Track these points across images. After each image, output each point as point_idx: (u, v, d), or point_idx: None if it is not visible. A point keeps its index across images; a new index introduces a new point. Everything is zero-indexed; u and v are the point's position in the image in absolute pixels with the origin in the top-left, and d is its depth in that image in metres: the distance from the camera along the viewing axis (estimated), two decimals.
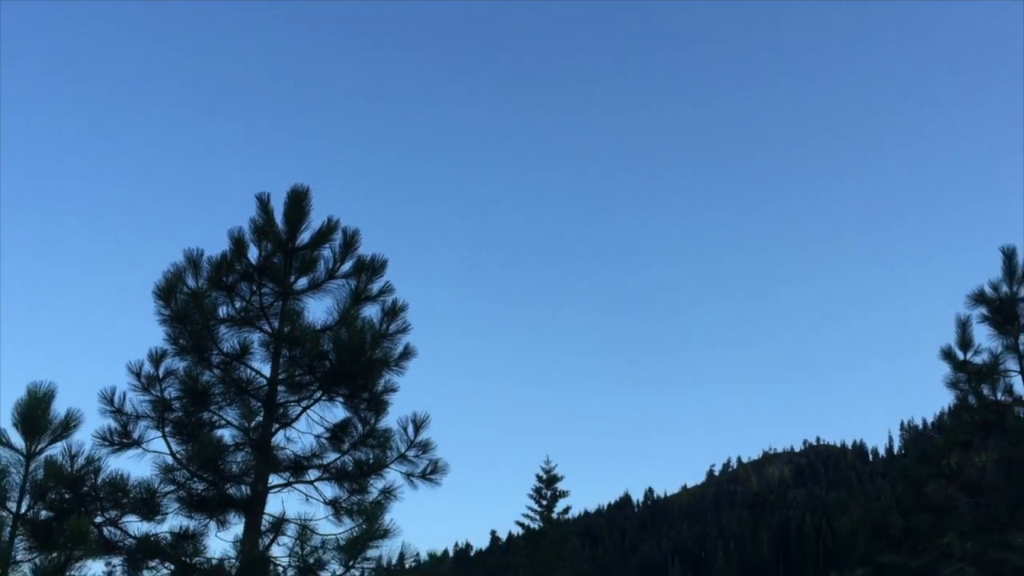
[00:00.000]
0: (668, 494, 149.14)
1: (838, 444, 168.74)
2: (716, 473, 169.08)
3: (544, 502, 42.66)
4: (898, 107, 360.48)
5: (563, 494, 43.00)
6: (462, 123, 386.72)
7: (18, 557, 9.37)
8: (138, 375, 11.40)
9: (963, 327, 15.66)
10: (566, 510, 44.09)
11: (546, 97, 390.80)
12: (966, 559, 14.89)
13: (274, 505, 11.46)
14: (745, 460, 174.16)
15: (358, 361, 11.32)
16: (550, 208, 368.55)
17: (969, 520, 14.86)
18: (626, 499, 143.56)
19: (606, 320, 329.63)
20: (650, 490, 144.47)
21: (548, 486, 42.61)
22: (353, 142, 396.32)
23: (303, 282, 12.01)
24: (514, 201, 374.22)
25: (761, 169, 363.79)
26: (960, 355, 15.62)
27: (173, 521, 11.26)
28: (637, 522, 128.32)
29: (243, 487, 11.36)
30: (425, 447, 11.74)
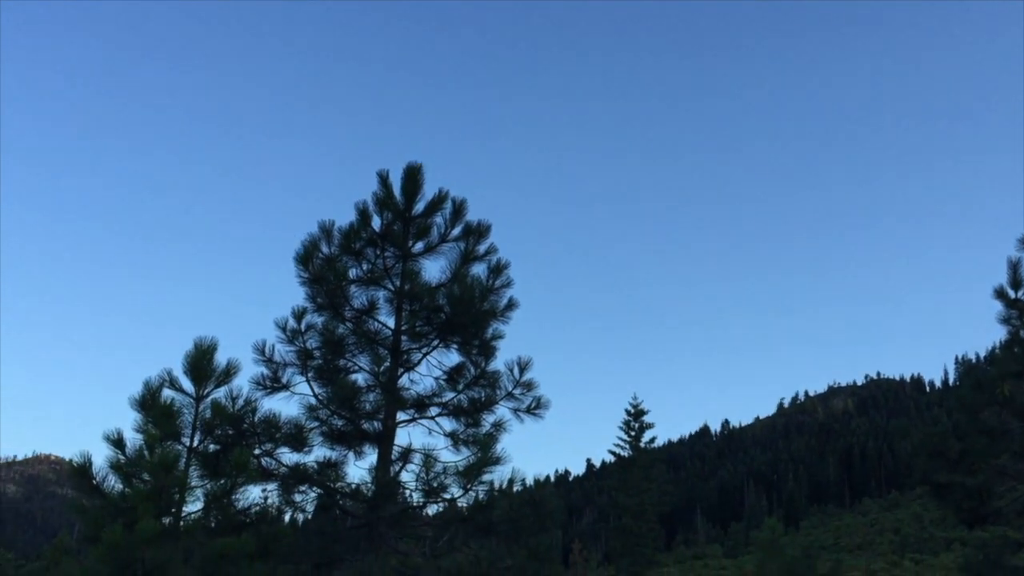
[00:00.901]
0: (742, 424, 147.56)
1: (897, 378, 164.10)
2: (785, 405, 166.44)
3: (632, 433, 42.74)
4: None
5: (649, 426, 43.02)
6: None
7: (192, 484, 9.80)
8: (284, 329, 11.80)
9: (1014, 268, 15.11)
10: (652, 440, 44.13)
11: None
12: (1019, 477, 14.51)
13: (402, 438, 11.82)
14: (812, 394, 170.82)
15: (469, 313, 11.52)
16: (617, 143, 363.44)
17: (1021, 442, 14.43)
18: (704, 430, 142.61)
19: (689, 257, 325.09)
20: (726, 421, 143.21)
21: (636, 419, 42.65)
22: (459, 112, 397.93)
23: (419, 246, 12.23)
24: (585, 134, 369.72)
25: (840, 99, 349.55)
26: (1011, 294, 15.08)
27: (318, 452, 11.68)
28: (715, 450, 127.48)
29: (375, 423, 11.70)
30: (529, 386, 11.90)
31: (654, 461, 44.59)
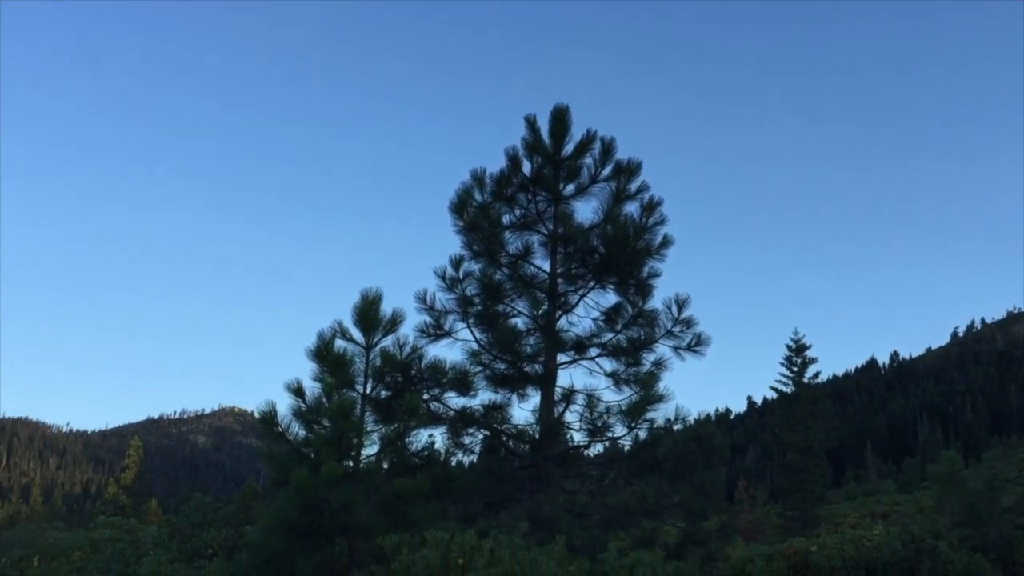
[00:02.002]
0: (913, 356, 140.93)
1: None
2: (960, 334, 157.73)
3: (795, 368, 41.61)
4: None
5: (812, 360, 41.72)
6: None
7: (368, 428, 10.26)
8: (443, 278, 12.12)
9: None
10: (816, 375, 42.83)
11: None
12: None
13: (563, 379, 11.98)
14: (989, 321, 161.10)
15: (623, 252, 11.47)
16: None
17: None
18: (872, 363, 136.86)
19: (855, 183, 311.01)
20: (895, 353, 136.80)
21: (798, 354, 41.47)
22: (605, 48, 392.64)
23: (570, 188, 12.23)
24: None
25: None
26: None
27: (483, 395, 12.00)
28: (884, 383, 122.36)
29: (536, 365, 11.89)
30: (688, 323, 11.78)
31: (819, 396, 43.33)
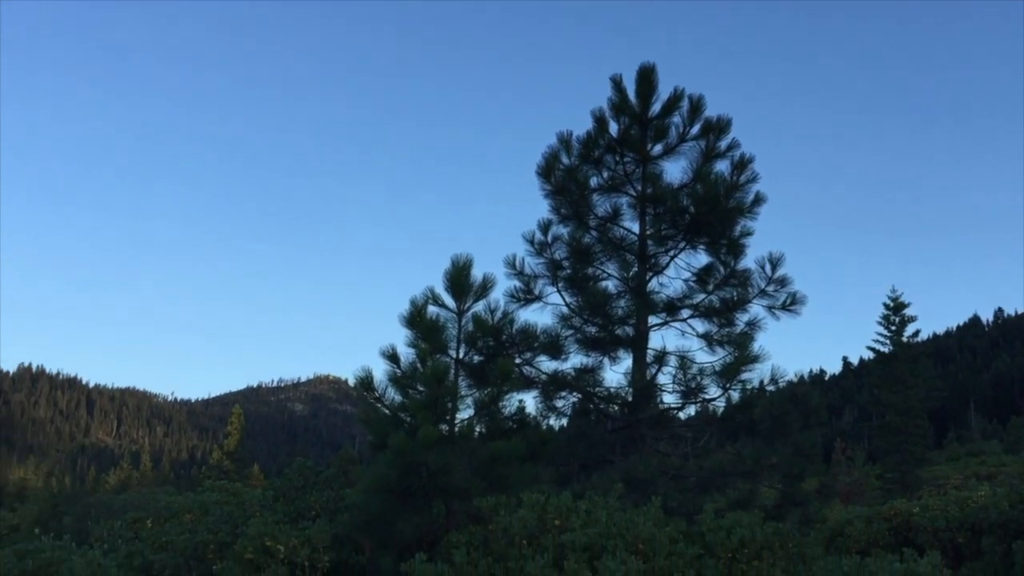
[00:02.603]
0: (1019, 312, 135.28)
1: None
2: None
3: (893, 327, 40.47)
4: None
5: (911, 319, 40.51)
6: None
7: (462, 393, 10.38)
8: (531, 242, 12.13)
9: None
10: (915, 333, 41.57)
11: None
12: None
13: (655, 341, 11.90)
14: None
15: (714, 212, 11.29)
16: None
17: None
18: (974, 320, 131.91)
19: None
20: (999, 310, 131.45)
21: (896, 312, 40.30)
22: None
23: (658, 148, 12.07)
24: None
25: None
26: None
27: (574, 359, 12.02)
28: (987, 341, 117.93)
29: (627, 328, 11.84)
30: (782, 282, 11.56)
31: (918, 355, 42.03)
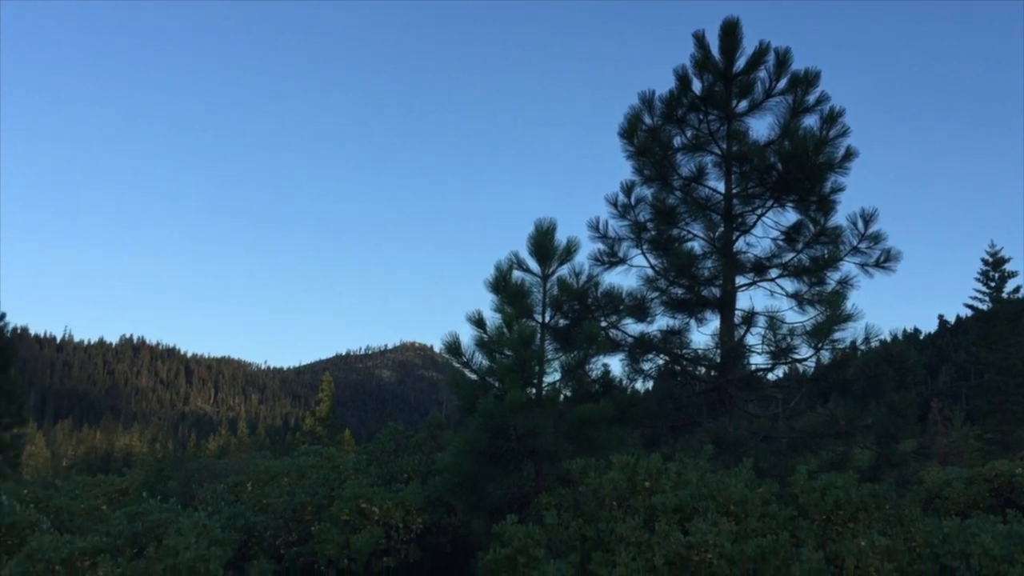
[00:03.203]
0: None
1: None
2: None
3: (992, 284, 38.98)
4: None
5: (1011, 274, 38.92)
6: None
7: (548, 356, 10.42)
8: (615, 205, 12.04)
9: None
10: (1016, 289, 39.97)
11: None
12: None
13: (743, 301, 11.71)
14: None
15: (803, 168, 10.99)
16: None
17: None
18: None
19: None
20: None
21: (995, 268, 38.77)
22: None
23: (743, 105, 11.79)
24: None
25: None
26: None
27: (660, 321, 11.93)
28: None
29: (714, 289, 11.68)
30: (876, 239, 11.21)
31: (1020, 312, 40.44)
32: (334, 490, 11.20)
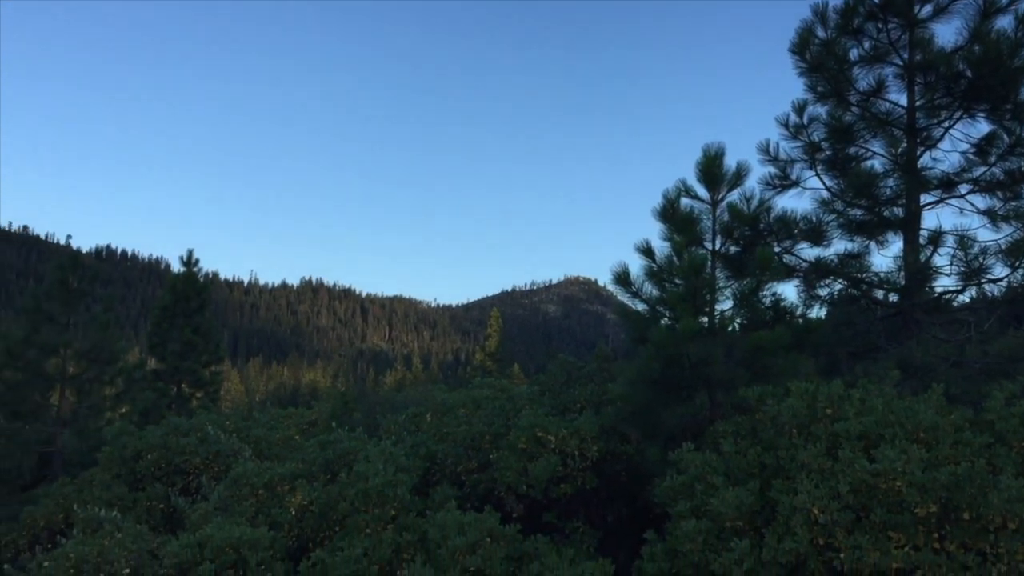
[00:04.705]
0: None
1: None
2: None
3: None
4: None
5: None
6: None
7: (720, 284, 10.21)
8: (786, 125, 11.55)
9: None
10: None
11: None
12: None
13: (929, 221, 11.05)
14: None
15: (996, 74, 10.15)
16: None
17: None
18: None
19: None
20: None
21: None
22: None
23: (926, 10, 10.96)
24: None
25: None
26: None
27: (837, 245, 11.45)
28: None
29: (896, 209, 11.07)
30: None
31: None
32: (510, 420, 11.49)
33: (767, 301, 10.51)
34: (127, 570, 9.11)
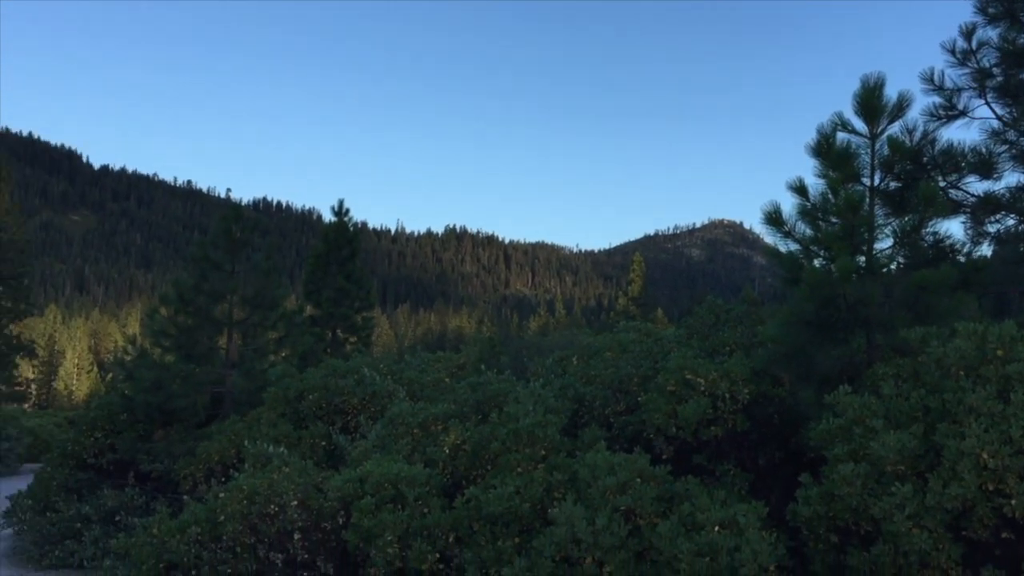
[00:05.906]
0: None
1: None
2: None
3: None
4: None
5: None
6: None
7: (879, 222, 9.77)
8: (952, 52, 10.85)
9: None
10: None
11: None
12: None
13: None
14: None
15: None
16: None
17: None
18: None
19: None
20: None
21: None
22: None
23: None
24: None
25: None
26: None
27: (1009, 178, 10.79)
28: None
29: None
30: None
31: None
32: (658, 362, 11.44)
33: (930, 239, 10.02)
34: (295, 502, 9.68)
